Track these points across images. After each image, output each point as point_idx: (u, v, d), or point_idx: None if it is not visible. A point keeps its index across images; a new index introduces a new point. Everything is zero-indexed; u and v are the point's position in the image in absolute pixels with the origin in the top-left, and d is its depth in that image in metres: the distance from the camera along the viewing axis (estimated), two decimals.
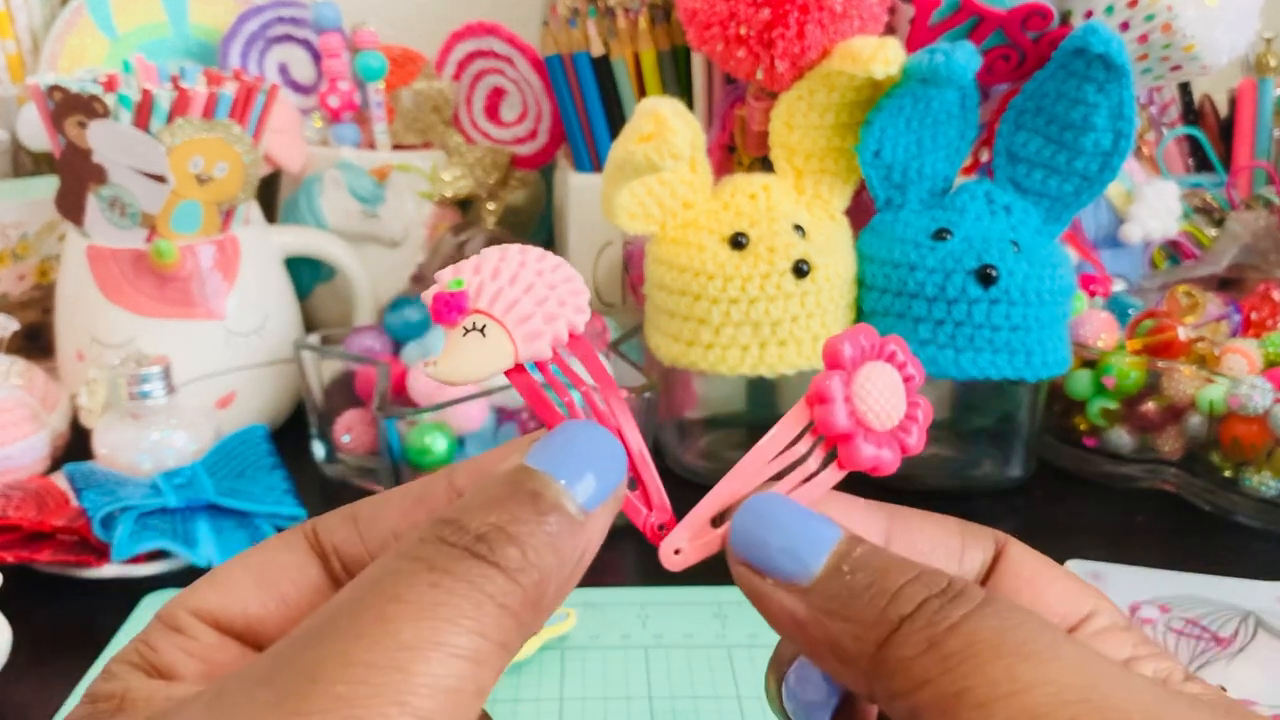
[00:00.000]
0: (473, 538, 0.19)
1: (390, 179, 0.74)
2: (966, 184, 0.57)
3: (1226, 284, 0.70)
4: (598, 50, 0.70)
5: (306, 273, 0.75)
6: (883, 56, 0.52)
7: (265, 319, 0.65)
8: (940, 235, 0.55)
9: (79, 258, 0.62)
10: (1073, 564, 0.51)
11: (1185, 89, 0.83)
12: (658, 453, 0.57)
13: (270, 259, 0.67)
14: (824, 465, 0.23)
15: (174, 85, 0.60)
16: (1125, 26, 0.59)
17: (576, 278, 0.23)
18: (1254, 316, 0.62)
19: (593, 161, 0.73)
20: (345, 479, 0.61)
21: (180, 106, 0.58)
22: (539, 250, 0.23)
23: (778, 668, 0.23)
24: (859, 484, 0.22)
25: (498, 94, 0.76)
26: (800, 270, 0.54)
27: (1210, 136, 0.81)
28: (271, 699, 0.16)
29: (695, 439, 0.65)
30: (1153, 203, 0.70)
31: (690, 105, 0.70)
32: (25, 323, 0.70)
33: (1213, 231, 0.76)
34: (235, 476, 0.54)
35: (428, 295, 0.22)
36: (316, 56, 0.77)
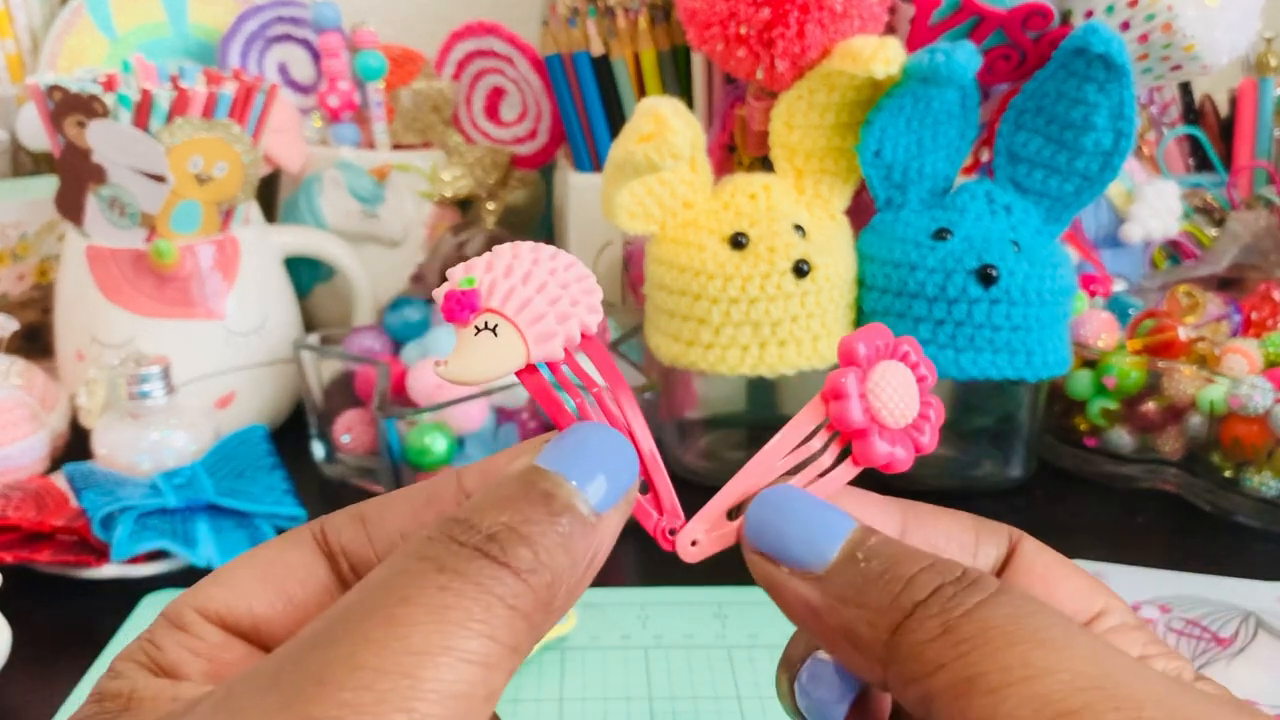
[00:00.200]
0: (483, 537, 0.18)
1: (390, 179, 0.74)
2: (967, 184, 0.57)
3: (1227, 284, 0.70)
4: (598, 50, 0.70)
5: (306, 273, 0.75)
6: (883, 56, 0.52)
7: (265, 319, 0.65)
8: (940, 235, 0.55)
9: (78, 257, 0.62)
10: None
11: (1186, 89, 0.83)
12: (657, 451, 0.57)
13: (270, 259, 0.67)
14: (838, 462, 0.23)
15: (173, 85, 0.60)
16: (1126, 26, 0.59)
17: (589, 276, 0.22)
18: (1254, 316, 0.62)
19: (593, 161, 0.73)
20: (345, 479, 0.61)
21: (180, 106, 0.58)
22: (551, 248, 0.22)
23: (789, 666, 0.23)
24: (861, 484, 0.22)
25: (497, 94, 0.76)
26: (800, 270, 0.53)
27: (1211, 136, 0.81)
28: (279, 702, 0.16)
29: (695, 439, 0.65)
30: (1153, 202, 0.70)
31: (690, 105, 0.70)
32: (25, 323, 0.70)
33: (1213, 231, 0.76)
34: (235, 477, 0.54)
35: (439, 293, 0.22)
36: (316, 56, 0.77)
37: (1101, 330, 0.61)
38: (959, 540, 0.22)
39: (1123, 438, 0.60)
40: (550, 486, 0.20)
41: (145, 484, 0.51)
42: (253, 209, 0.66)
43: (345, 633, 0.17)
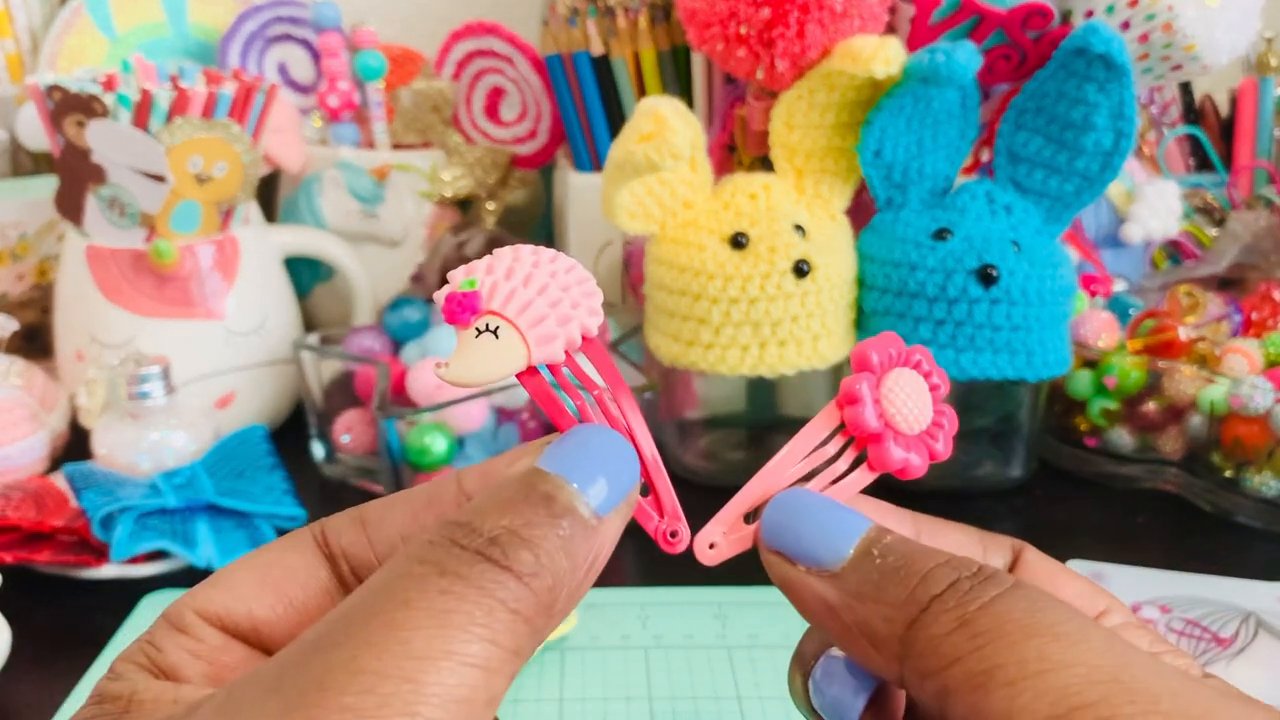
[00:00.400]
0: (485, 540, 0.18)
1: (390, 179, 0.74)
2: (967, 184, 0.57)
3: (1227, 284, 0.70)
4: (598, 50, 0.70)
5: (306, 273, 0.75)
6: (883, 56, 0.52)
7: (265, 319, 0.65)
8: (941, 235, 0.55)
9: (78, 257, 0.62)
10: (1073, 564, 0.51)
11: (1186, 88, 0.83)
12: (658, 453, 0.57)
13: (270, 259, 0.67)
14: (853, 467, 0.23)
15: (173, 85, 0.60)
16: (1126, 26, 0.59)
17: (590, 279, 0.23)
18: (1255, 316, 0.62)
19: (593, 161, 0.73)
20: (345, 479, 0.61)
21: (179, 106, 0.58)
22: (552, 251, 0.23)
23: (802, 663, 0.23)
24: (867, 488, 0.22)
25: (497, 93, 0.76)
26: (800, 270, 0.53)
27: (1211, 136, 0.81)
28: (280, 707, 0.16)
29: (695, 439, 0.65)
30: (1153, 202, 0.70)
31: (690, 105, 0.70)
32: (24, 323, 0.70)
33: (1213, 231, 0.76)
34: (235, 477, 0.54)
35: (440, 295, 0.22)
36: (316, 56, 0.77)
37: (1102, 330, 0.61)
38: (968, 549, 0.23)
39: (1123, 438, 0.60)
40: (551, 489, 0.20)
41: (145, 484, 0.51)
42: (253, 209, 0.66)
43: (347, 636, 0.17)
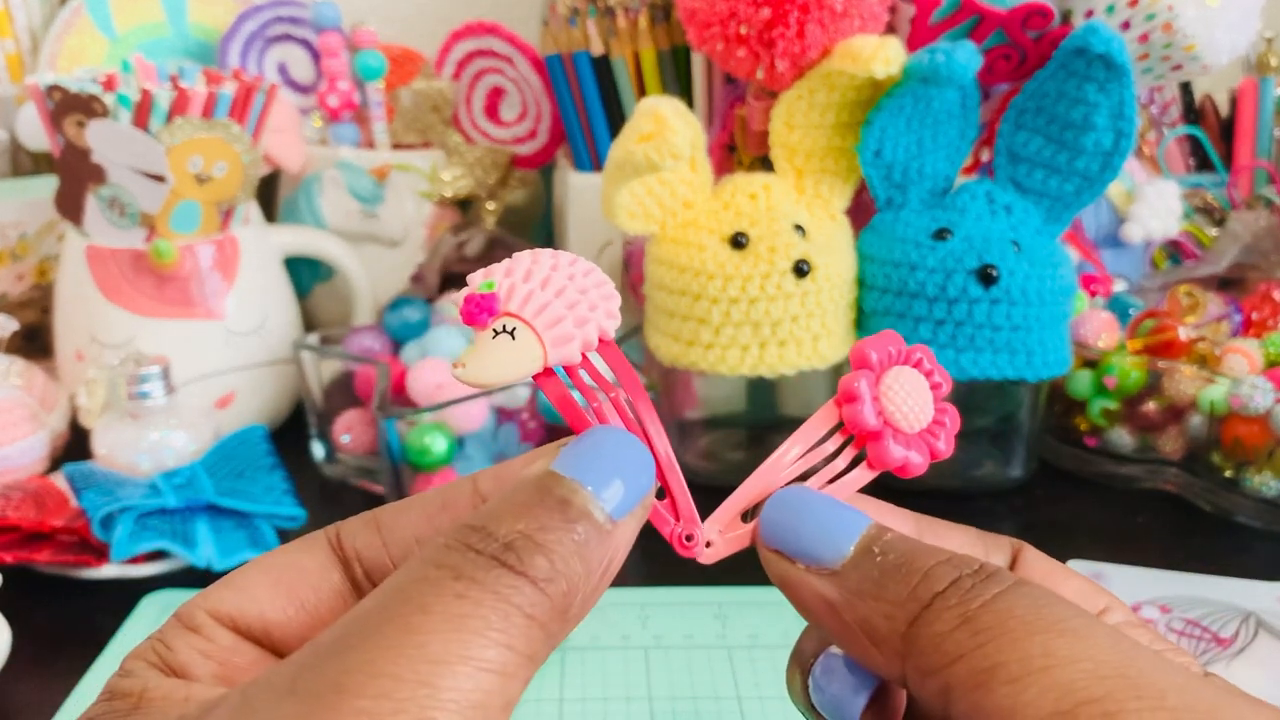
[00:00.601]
0: (500, 545, 0.18)
1: (390, 179, 0.74)
2: (967, 184, 0.57)
3: (1227, 284, 0.70)
4: (598, 50, 0.70)
5: (306, 273, 0.75)
6: (883, 56, 0.52)
7: (265, 319, 0.65)
8: (941, 235, 0.55)
9: (78, 257, 0.62)
10: (1073, 564, 0.51)
11: (1186, 88, 0.83)
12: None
13: (270, 259, 0.67)
14: (852, 466, 0.23)
15: (173, 85, 0.60)
16: (1126, 26, 0.59)
17: (608, 283, 0.23)
18: (1255, 316, 0.62)
19: (593, 161, 0.73)
20: (345, 479, 0.61)
21: (179, 106, 0.58)
22: (570, 255, 0.23)
23: (801, 662, 0.23)
24: (865, 488, 0.22)
25: (497, 93, 0.76)
26: (800, 270, 0.53)
27: (1211, 136, 0.81)
28: (296, 710, 0.16)
29: (695, 439, 0.65)
30: (1153, 202, 0.70)
31: (690, 105, 0.70)
32: (24, 323, 0.70)
33: (1214, 231, 0.76)
34: (234, 477, 0.54)
35: (458, 297, 0.22)
36: (316, 56, 0.77)
37: (1102, 330, 0.61)
38: (968, 550, 0.22)
39: (1123, 438, 0.60)
40: (566, 493, 0.19)
41: (145, 484, 0.51)
42: (252, 209, 0.66)
43: (362, 640, 0.17)
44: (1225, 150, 0.82)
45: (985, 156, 0.63)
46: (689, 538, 0.23)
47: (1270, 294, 0.62)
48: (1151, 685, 0.16)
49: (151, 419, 0.54)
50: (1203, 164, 0.82)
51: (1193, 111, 0.83)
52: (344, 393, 0.61)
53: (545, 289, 0.22)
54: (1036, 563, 0.22)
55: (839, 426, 0.23)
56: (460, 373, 0.21)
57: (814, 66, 0.55)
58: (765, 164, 0.59)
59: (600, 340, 0.22)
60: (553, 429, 0.60)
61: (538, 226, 0.85)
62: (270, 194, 0.78)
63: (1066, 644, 0.17)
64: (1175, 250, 0.76)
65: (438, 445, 0.55)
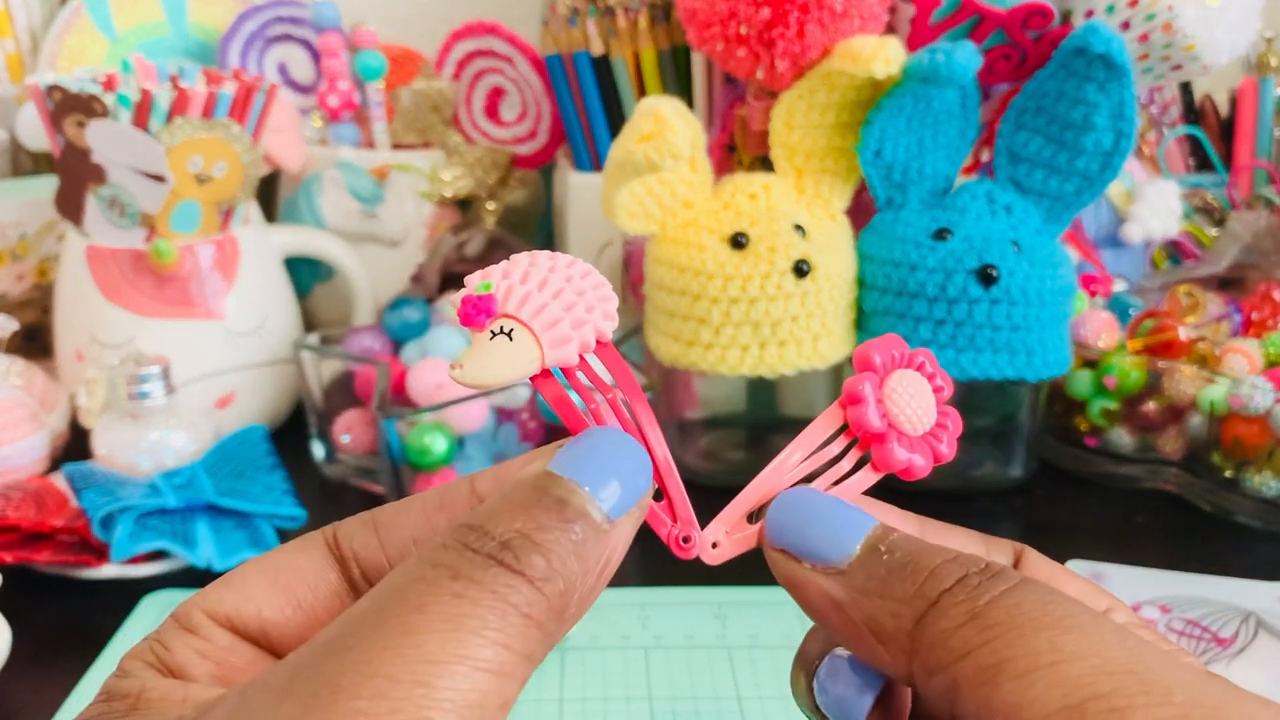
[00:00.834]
0: (498, 544, 0.18)
1: (390, 179, 0.74)
2: (967, 184, 0.57)
3: (1227, 284, 0.70)
4: (598, 50, 0.70)
5: (306, 273, 0.75)
6: (883, 56, 0.52)
7: (265, 319, 0.65)
8: (941, 235, 0.55)
9: (78, 257, 0.62)
10: (1073, 564, 0.51)
11: (1186, 88, 0.83)
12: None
13: (269, 259, 0.67)
14: (856, 468, 0.23)
15: (173, 85, 0.60)
16: (1126, 26, 0.59)
17: (605, 284, 0.23)
18: (1255, 316, 0.62)
19: (593, 161, 0.73)
20: (345, 479, 0.61)
21: (179, 106, 0.58)
22: (568, 257, 0.23)
23: (805, 664, 0.23)
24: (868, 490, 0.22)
25: (497, 93, 0.76)
26: (800, 270, 0.53)
27: (1211, 136, 0.81)
28: (293, 711, 0.16)
29: (695, 439, 0.65)
30: (1153, 202, 0.70)
31: (690, 105, 0.70)
32: (24, 322, 0.70)
33: (1214, 231, 0.76)
34: (234, 477, 0.54)
35: (456, 298, 0.22)
36: (316, 56, 0.77)
37: (1102, 330, 0.61)
38: (971, 551, 0.23)
39: (1123, 438, 0.60)
40: (563, 493, 0.19)
41: (145, 484, 0.51)
42: (252, 209, 0.66)
43: (359, 640, 0.17)
44: (1225, 150, 0.82)
45: (985, 156, 0.63)
46: (686, 539, 0.23)
47: (1270, 294, 0.62)
48: (1159, 681, 0.16)
49: (151, 419, 0.54)
50: (1203, 164, 0.82)
51: (1193, 111, 0.83)
52: (344, 393, 0.61)
53: (543, 290, 0.22)
54: (1039, 565, 0.22)
55: (843, 428, 0.23)
56: (458, 374, 0.22)
57: (814, 66, 0.55)
58: (765, 164, 0.59)
59: (598, 342, 0.22)
60: (552, 429, 0.60)
61: (538, 227, 0.85)
62: (270, 194, 0.78)
63: (1074, 640, 0.17)
64: (1175, 250, 0.76)
65: (438, 445, 0.55)
